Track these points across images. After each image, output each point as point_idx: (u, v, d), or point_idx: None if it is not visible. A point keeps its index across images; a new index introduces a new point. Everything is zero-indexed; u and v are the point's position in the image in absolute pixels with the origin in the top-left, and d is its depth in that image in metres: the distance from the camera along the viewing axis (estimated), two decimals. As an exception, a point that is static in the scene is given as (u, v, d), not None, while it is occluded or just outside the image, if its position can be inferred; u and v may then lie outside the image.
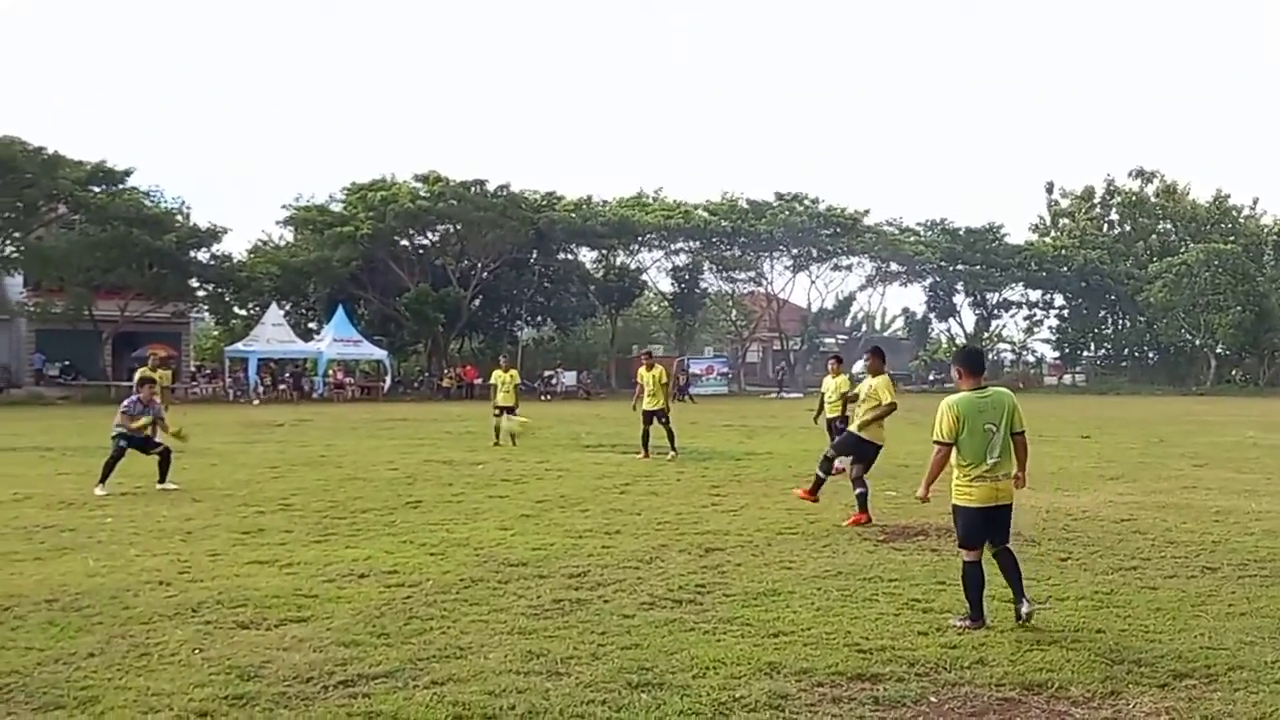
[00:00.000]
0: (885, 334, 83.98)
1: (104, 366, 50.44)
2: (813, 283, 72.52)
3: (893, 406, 12.29)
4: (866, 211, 68.45)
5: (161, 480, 14.74)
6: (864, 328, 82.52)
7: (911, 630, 7.06)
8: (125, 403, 15.40)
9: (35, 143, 46.70)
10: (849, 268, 71.80)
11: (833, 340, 76.48)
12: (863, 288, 75.45)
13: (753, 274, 70.32)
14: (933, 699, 5.74)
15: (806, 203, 66.81)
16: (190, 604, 7.74)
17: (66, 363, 51.12)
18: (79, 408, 38.64)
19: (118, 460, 14.61)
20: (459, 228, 57.81)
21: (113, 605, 7.70)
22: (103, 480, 14.29)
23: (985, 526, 7.28)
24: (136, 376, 17.36)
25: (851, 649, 6.61)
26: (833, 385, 16.18)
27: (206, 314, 60.22)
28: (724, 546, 10.27)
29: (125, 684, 5.90)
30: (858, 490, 11.95)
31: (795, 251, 67.94)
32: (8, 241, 49.62)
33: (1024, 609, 7.17)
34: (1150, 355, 77.23)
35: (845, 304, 76.42)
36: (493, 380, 24.31)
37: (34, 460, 18.96)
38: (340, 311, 52.66)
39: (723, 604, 7.83)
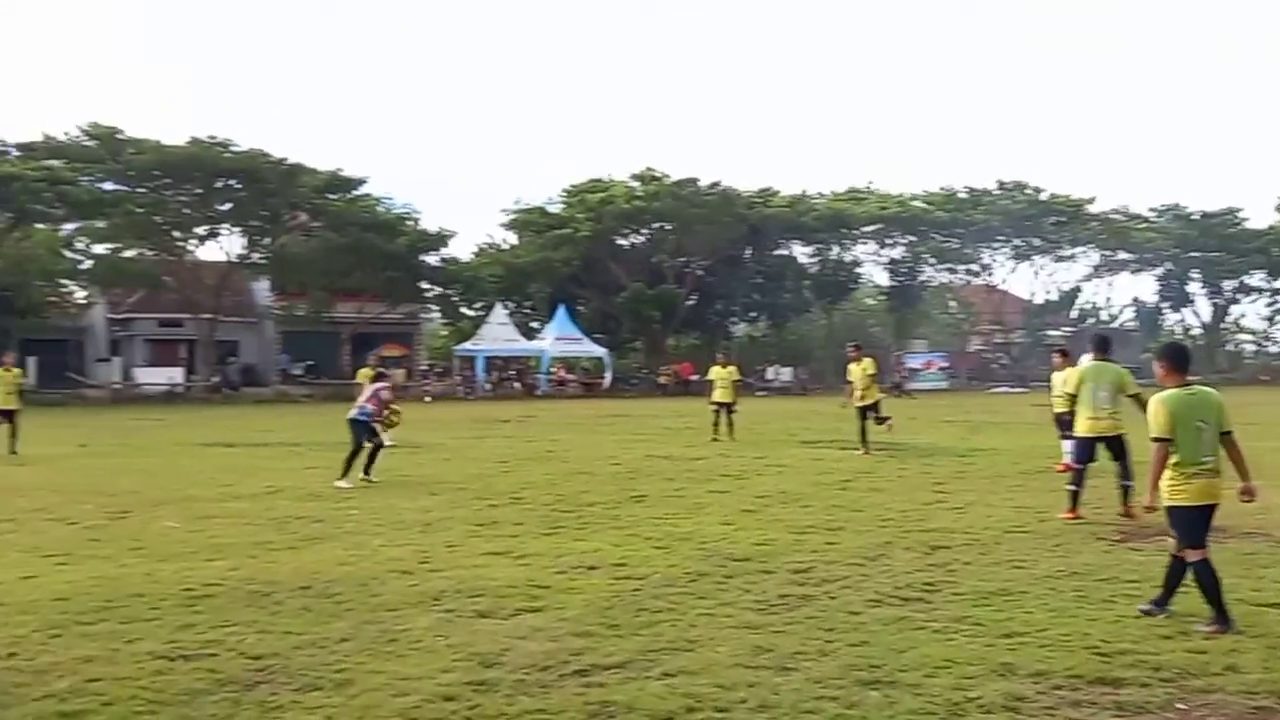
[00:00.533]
0: (1114, 325, 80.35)
1: (343, 366, 53.28)
2: (1035, 274, 70.09)
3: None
4: (1092, 199, 65.68)
5: (366, 473, 15.32)
6: (1091, 319, 79.13)
7: (1154, 634, 6.78)
8: (382, 390, 16.06)
9: (277, 154, 49.77)
10: (1072, 258, 69.05)
11: (1057, 333, 73.69)
12: (1089, 278, 72.40)
13: (972, 265, 68.46)
14: (1180, 706, 5.51)
15: (1029, 191, 64.60)
16: (432, 593, 8.12)
17: (310, 362, 54.14)
18: (322, 405, 40.82)
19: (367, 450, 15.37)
20: (673, 226, 58.39)
21: (361, 593, 8.15)
22: (354, 472, 15.10)
23: (1205, 523, 7.17)
24: (360, 376, 18.37)
25: (1090, 652, 6.40)
26: (1060, 379, 15.60)
27: (436, 314, 62.78)
28: (950, 544, 10.08)
29: (376, 668, 6.23)
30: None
31: (1017, 241, 65.78)
32: (255, 248, 53.01)
33: (1162, 612, 7.23)
34: None
35: (1070, 295, 73.50)
36: (710, 376, 24.45)
37: (283, 454, 20.18)
38: (561, 310, 54.04)
39: (952, 603, 7.70)
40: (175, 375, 49.41)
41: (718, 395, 23.36)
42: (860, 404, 19.85)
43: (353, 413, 15.79)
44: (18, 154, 46.06)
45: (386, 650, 6.60)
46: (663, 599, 7.86)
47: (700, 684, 5.83)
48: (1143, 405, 7.87)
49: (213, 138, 48.51)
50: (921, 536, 10.54)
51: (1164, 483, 7.20)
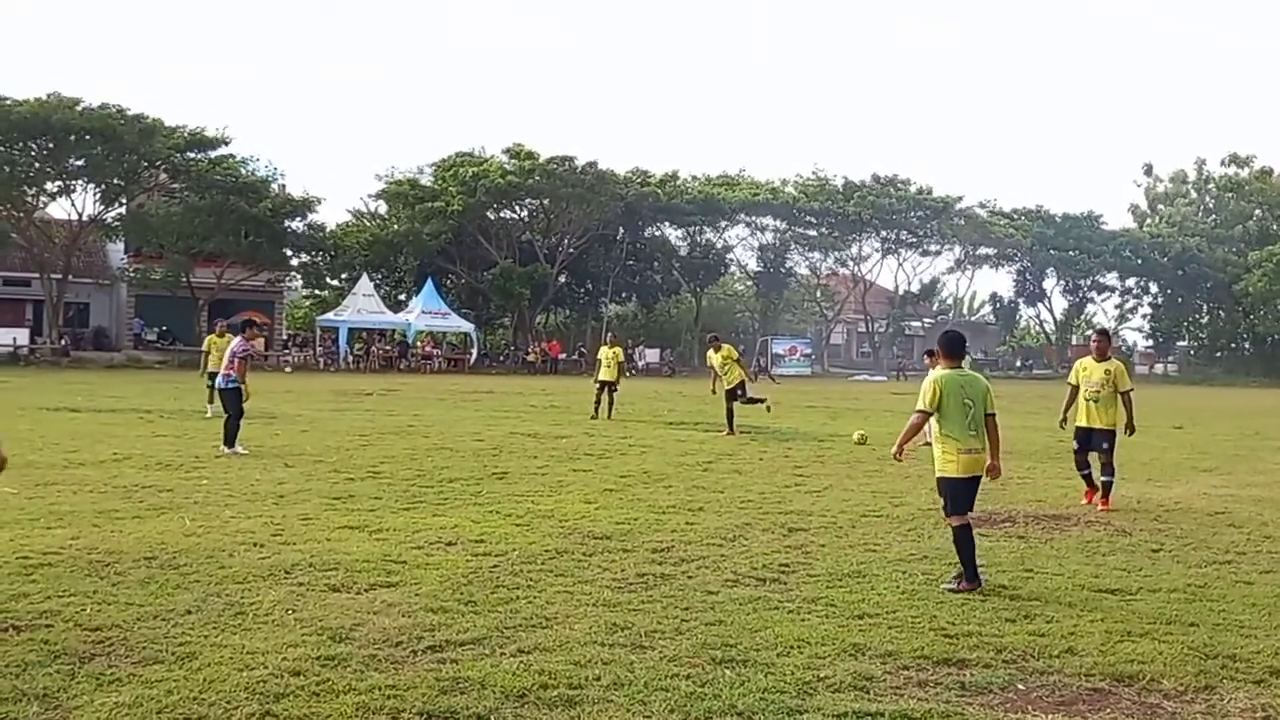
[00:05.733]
0: (972, 318, 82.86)
1: (200, 332, 51.74)
2: (900, 265, 71.82)
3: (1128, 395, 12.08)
4: (960, 198, 67.62)
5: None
6: (951, 312, 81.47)
7: (999, 617, 6.98)
8: (235, 348, 15.69)
9: (133, 111, 47.82)
10: (938, 253, 71.00)
11: (919, 324, 75.73)
12: (951, 270, 74.59)
13: (840, 255, 69.79)
14: (1020, 686, 5.67)
15: (901, 186, 66.10)
16: (283, 566, 7.92)
17: (164, 328, 52.48)
18: (176, 372, 39.63)
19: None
20: (547, 203, 58.15)
21: (209, 565, 7.90)
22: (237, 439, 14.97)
23: (970, 493, 7.97)
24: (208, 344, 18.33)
25: (938, 633, 6.55)
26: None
27: (299, 283, 61.37)
28: (807, 527, 10.24)
29: (221, 641, 6.04)
30: (1105, 478, 11.84)
31: (884, 234, 67.28)
32: (110, 208, 51.00)
33: (955, 586, 7.75)
34: (1246, 346, 75.20)
35: (932, 287, 75.51)
36: (599, 355, 24.63)
37: (133, 422, 19.50)
38: (429, 284, 53.39)
39: (807, 584, 7.81)
40: (20, 336, 47.39)
41: (603, 374, 23.61)
42: (726, 387, 20.20)
43: (219, 382, 15.51)
44: None
45: (233, 623, 6.41)
46: (521, 576, 7.81)
47: (555, 661, 5.79)
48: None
49: (58, 95, 46.06)
50: (779, 518, 10.67)
51: (937, 456, 7.99)
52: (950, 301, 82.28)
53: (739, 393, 20.20)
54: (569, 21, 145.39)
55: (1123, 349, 78.08)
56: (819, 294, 73.35)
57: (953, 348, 8.22)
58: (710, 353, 20.93)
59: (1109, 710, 5.41)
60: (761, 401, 20.88)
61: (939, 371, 8.08)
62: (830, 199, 64.36)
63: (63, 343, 47.55)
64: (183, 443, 15.33)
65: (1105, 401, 11.94)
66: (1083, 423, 12.07)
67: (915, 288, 73.09)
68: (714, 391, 21.13)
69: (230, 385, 15.34)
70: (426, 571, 7.88)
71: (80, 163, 48.12)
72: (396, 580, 7.57)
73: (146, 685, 5.29)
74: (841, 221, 64.59)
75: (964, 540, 7.84)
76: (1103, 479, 11.85)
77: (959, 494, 7.91)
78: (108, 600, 6.85)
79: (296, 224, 54.14)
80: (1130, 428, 12.03)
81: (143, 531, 9.12)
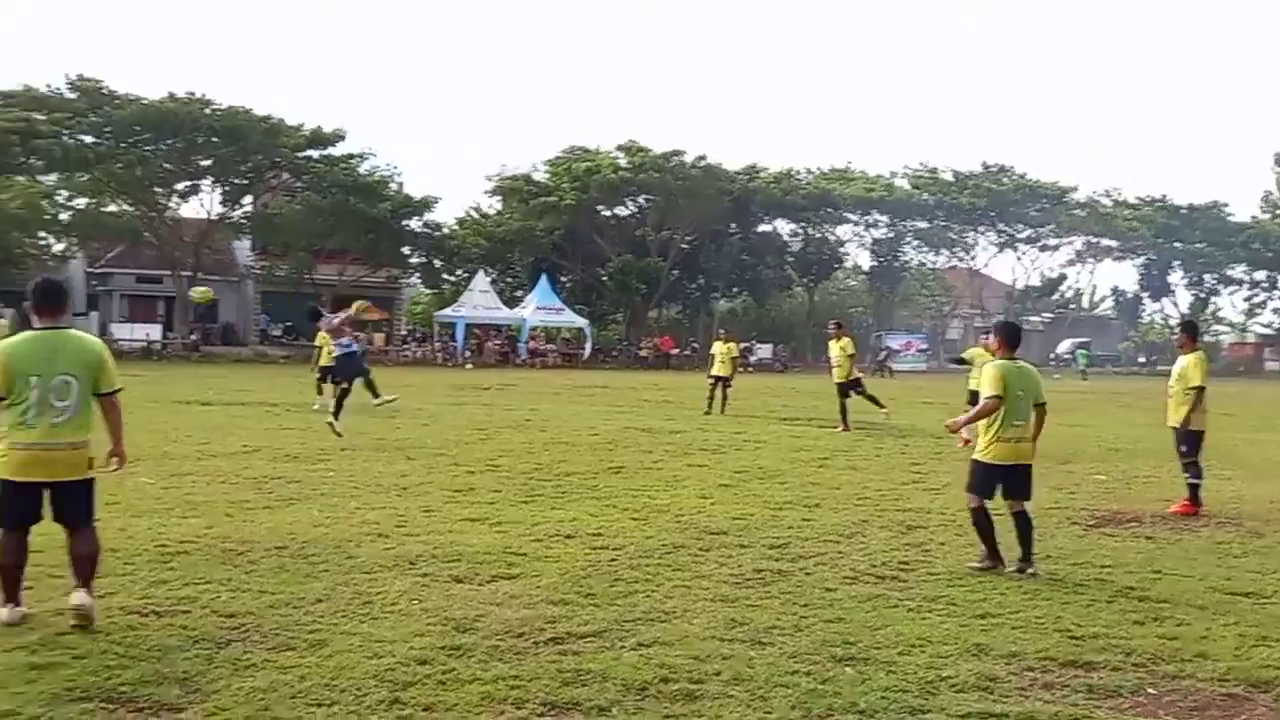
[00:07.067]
0: (1094, 313, 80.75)
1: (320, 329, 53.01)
2: (1019, 259, 70.33)
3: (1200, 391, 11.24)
4: (1074, 188, 65.95)
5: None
6: (1072, 306, 79.47)
7: (1126, 619, 6.82)
8: (335, 322, 16.77)
9: (260, 112, 49.31)
10: (1056, 247, 69.33)
11: (1037, 319, 74.06)
12: (1071, 263, 72.75)
13: (955, 248, 68.63)
14: (1150, 690, 5.55)
15: (1013, 175, 64.71)
16: (408, 556, 8.10)
17: (289, 324, 53.89)
18: (300, 366, 40.63)
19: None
20: (658, 198, 58.26)
21: (337, 554, 8.12)
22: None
23: (996, 481, 8.21)
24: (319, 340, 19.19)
25: (1063, 635, 6.43)
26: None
27: (418, 280, 62.54)
28: (926, 525, 10.12)
29: (350, 629, 6.21)
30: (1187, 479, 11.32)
31: (1001, 226, 65.96)
32: (237, 207, 52.62)
33: (1028, 569, 8.05)
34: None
35: (1053, 282, 73.77)
36: (712, 351, 24.58)
37: (261, 415, 20.09)
38: (544, 280, 53.93)
39: (927, 582, 7.74)
40: (153, 332, 49.12)
41: (716, 369, 23.58)
42: (839, 381, 19.97)
43: (337, 352, 16.33)
44: None
45: (361, 612, 6.58)
46: (639, 570, 7.87)
47: (675, 655, 5.83)
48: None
49: (191, 94, 47.94)
50: (897, 516, 10.58)
51: (980, 440, 8.30)
52: (1070, 295, 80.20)
53: (855, 389, 19.95)
54: (680, 17, 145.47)
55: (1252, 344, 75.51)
56: (934, 288, 72.20)
57: (1012, 338, 8.63)
58: (830, 342, 20.59)
59: (1244, 717, 5.27)
60: (879, 405, 20.49)
61: (1000, 361, 8.41)
62: (943, 190, 63.34)
63: (193, 338, 49.17)
64: (309, 435, 15.76)
65: (1177, 398, 11.37)
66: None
67: (1034, 281, 71.55)
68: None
69: (347, 350, 16.18)
70: (546, 564, 7.98)
71: (208, 162, 49.76)
72: (517, 572, 7.69)
73: (280, 670, 5.47)
74: (955, 213, 63.51)
75: (980, 523, 8.20)
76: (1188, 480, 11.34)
77: (988, 478, 8.20)
78: (241, 588, 7.07)
79: (414, 223, 55.13)
80: (1184, 423, 11.23)
81: (273, 521, 9.40)
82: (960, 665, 5.79)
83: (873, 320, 68.27)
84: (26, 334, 6.32)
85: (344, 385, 16.04)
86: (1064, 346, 69.21)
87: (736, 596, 7.16)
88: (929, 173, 65.45)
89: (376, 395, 16.50)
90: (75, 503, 6.23)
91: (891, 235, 65.98)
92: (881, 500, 11.58)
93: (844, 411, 19.82)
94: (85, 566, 6.22)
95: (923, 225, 65.34)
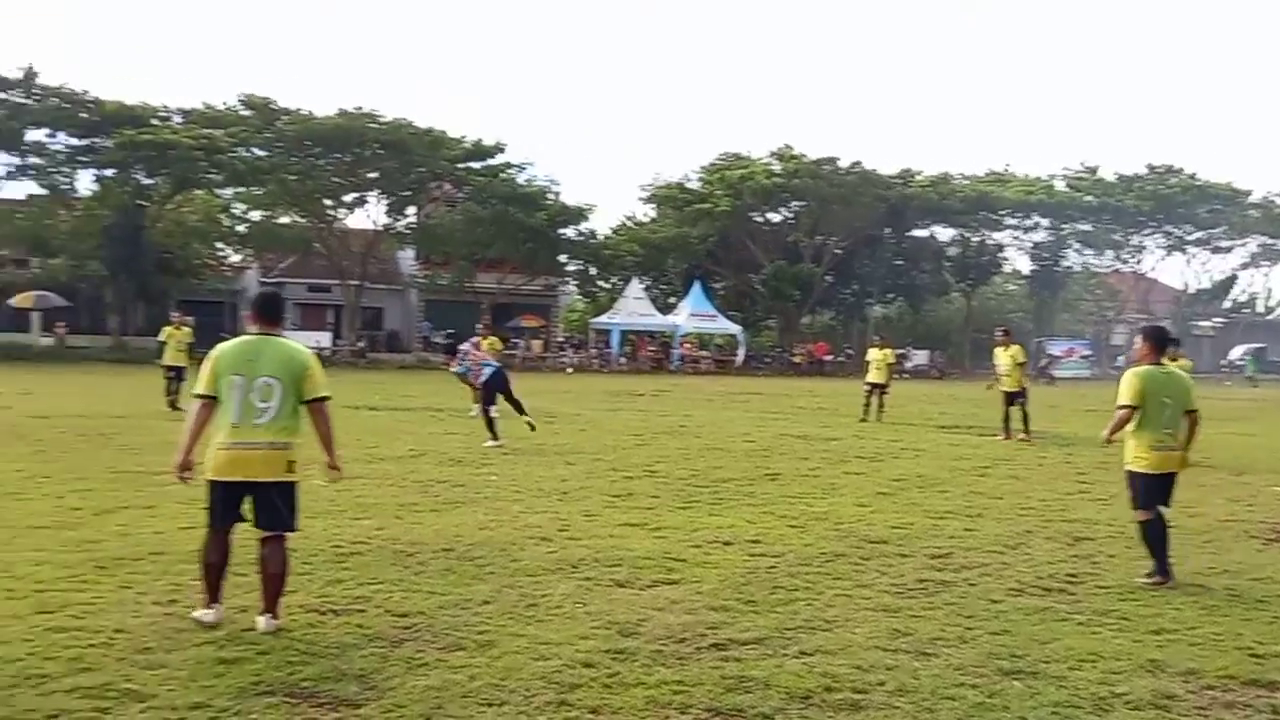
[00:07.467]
0: (1269, 317, 76.92)
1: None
2: (1188, 262, 67.51)
3: None
4: (1248, 192, 62.94)
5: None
6: (1245, 310, 75.82)
7: (1313, 638, 6.53)
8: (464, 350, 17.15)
9: (422, 124, 50.70)
10: (1229, 249, 66.28)
11: (1208, 324, 70.90)
12: (1245, 265, 69.44)
13: (1120, 251, 66.23)
14: (1342, 713, 5.31)
15: (1183, 177, 62.15)
16: (570, 560, 8.25)
17: (451, 331, 55.28)
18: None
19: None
20: (812, 204, 57.86)
21: (502, 557, 8.32)
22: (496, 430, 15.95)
23: (1159, 490, 8.01)
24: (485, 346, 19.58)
25: (1244, 652, 6.20)
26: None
27: (573, 287, 63.44)
28: (1094, 536, 9.85)
29: (517, 631, 6.36)
30: None
31: (1169, 228, 63.42)
32: (401, 218, 54.31)
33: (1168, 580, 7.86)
34: None
35: (1224, 285, 70.56)
36: (868, 357, 24.38)
37: (425, 419, 20.66)
38: (697, 286, 54.08)
39: (1096, 596, 7.54)
40: (322, 339, 50.93)
41: (872, 376, 23.35)
42: (1006, 389, 19.50)
43: (485, 375, 16.50)
44: (181, 121, 47.88)
45: (527, 614, 6.73)
46: (798, 577, 7.86)
47: (838, 664, 5.82)
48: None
49: (359, 108, 49.71)
50: (1063, 526, 10.33)
51: (1128, 451, 8.12)
52: (1244, 299, 76.50)
53: (1020, 399, 19.44)
54: (833, 22, 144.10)
55: None
56: (1098, 292, 69.79)
57: (1159, 343, 8.41)
58: (998, 349, 20.07)
59: None
60: (1026, 429, 19.35)
61: (1142, 368, 8.19)
62: (1106, 192, 61.21)
63: (360, 345, 50.85)
64: (471, 439, 16.14)
65: None
66: None
67: (1205, 285, 68.58)
68: (989, 388, 20.49)
69: (493, 370, 16.50)
70: (706, 570, 8.04)
71: (374, 175, 51.45)
72: (677, 578, 7.77)
73: (451, 670, 5.63)
74: (1120, 215, 61.30)
75: (1153, 535, 8.00)
76: None
77: (1149, 489, 8.01)
78: (412, 588, 7.30)
79: (570, 231, 55.93)
80: None
81: (440, 524, 9.68)
82: (1135, 682, 5.64)
83: (1033, 326, 66.34)
84: (238, 338, 6.57)
85: (493, 404, 16.28)
86: (1236, 352, 66.18)
87: (899, 606, 7.10)
88: (1090, 174, 63.36)
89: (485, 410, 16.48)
90: (272, 505, 6.32)
91: (1052, 239, 64.05)
92: (1046, 510, 11.32)
93: (1007, 420, 19.40)
94: (273, 586, 6.31)
95: (1085, 228, 63.25)
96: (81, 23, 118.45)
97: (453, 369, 17.20)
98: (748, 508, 11.04)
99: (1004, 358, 19.64)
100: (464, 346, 17.37)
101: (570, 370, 47.57)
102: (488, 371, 16.50)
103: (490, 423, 15.98)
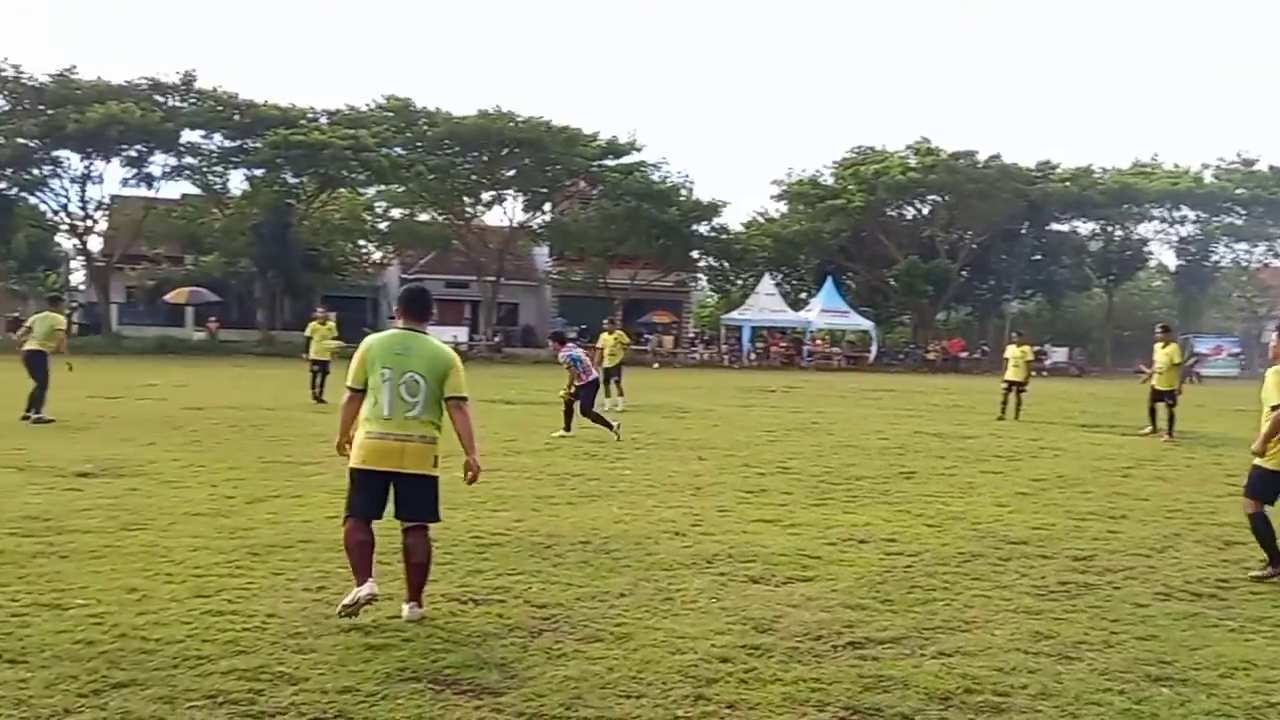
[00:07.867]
0: None
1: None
2: (1350, 256, 64.27)
3: None
4: None
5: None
6: None
7: None
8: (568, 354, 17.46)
9: (558, 123, 51.33)
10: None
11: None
12: None
13: (1272, 245, 63.39)
14: None
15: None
16: (704, 555, 8.29)
17: (584, 326, 55.88)
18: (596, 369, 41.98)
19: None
20: (948, 199, 56.86)
21: (637, 551, 8.41)
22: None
23: (1275, 486, 7.96)
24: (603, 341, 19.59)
25: None
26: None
27: (705, 283, 63.50)
28: (1246, 540, 9.41)
29: (654, 624, 6.41)
30: None
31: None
32: (536, 215, 55.12)
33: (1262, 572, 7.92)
34: None
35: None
36: (1006, 354, 23.92)
37: (560, 414, 20.77)
38: (829, 282, 53.64)
39: (1249, 602, 7.29)
40: (460, 334, 51.90)
41: (1010, 373, 22.93)
42: (1158, 387, 18.93)
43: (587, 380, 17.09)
44: (327, 122, 49.39)
45: (663, 608, 6.78)
46: (936, 577, 7.77)
47: (977, 666, 5.74)
48: None
49: (498, 108, 50.55)
50: (1213, 530, 9.99)
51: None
52: None
53: (1169, 399, 18.83)
54: (971, 15, 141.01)
55: None
56: (1248, 288, 66.97)
57: None
58: (1158, 346, 19.35)
59: None
60: (1170, 428, 18.75)
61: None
62: (1260, 184, 58.63)
63: (496, 339, 51.74)
64: (608, 434, 16.31)
65: None
66: None
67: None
68: (1144, 382, 19.85)
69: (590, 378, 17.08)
70: (841, 567, 8.00)
71: (511, 173, 52.37)
72: (812, 575, 7.75)
73: (589, 661, 5.71)
74: (1273, 208, 58.63)
75: (1260, 527, 8.00)
76: None
77: (1270, 484, 7.97)
78: (550, 580, 7.42)
79: (703, 227, 56.00)
80: None
81: (577, 517, 9.82)
82: (1292, 692, 5.44)
83: (1179, 322, 63.99)
84: (386, 332, 6.72)
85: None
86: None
87: (1040, 609, 6.97)
88: (1245, 166, 60.77)
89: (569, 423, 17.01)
90: (417, 496, 6.43)
91: (1200, 233, 61.64)
92: (1194, 513, 10.96)
93: (1153, 414, 18.91)
94: (417, 576, 6.40)
95: (1236, 221, 60.72)
96: (232, 27, 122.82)
97: (561, 355, 17.53)
98: (883, 506, 10.94)
99: (1161, 355, 19.04)
100: (578, 352, 17.69)
101: (696, 359, 47.47)
102: (588, 379, 17.07)
103: (570, 416, 16.82)
